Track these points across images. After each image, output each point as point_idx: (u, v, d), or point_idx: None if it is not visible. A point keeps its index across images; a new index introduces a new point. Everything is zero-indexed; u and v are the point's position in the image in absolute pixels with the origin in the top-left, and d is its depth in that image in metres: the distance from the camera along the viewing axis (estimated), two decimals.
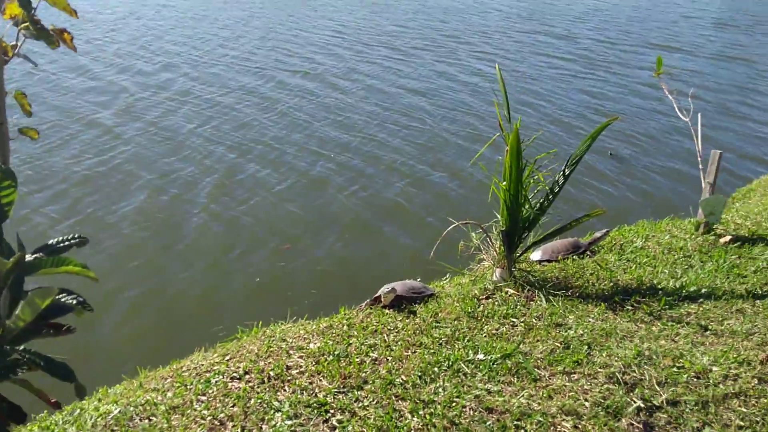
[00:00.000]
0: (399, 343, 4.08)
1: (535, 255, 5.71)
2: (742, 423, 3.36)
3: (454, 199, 9.44)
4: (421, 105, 13.67)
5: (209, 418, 3.30)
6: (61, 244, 1.85)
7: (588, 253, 5.68)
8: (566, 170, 4.92)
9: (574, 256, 5.59)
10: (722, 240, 5.76)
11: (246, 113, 12.64)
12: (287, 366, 3.77)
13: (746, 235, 5.87)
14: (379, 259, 7.82)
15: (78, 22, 21.77)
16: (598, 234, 5.84)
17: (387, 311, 4.63)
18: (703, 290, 4.79)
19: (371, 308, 4.74)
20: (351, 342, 4.09)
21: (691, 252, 5.59)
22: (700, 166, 5.96)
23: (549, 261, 5.62)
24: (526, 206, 4.90)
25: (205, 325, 6.39)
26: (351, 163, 10.64)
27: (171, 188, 9.46)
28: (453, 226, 4.78)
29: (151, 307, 6.87)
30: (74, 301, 1.88)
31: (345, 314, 4.60)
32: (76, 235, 1.91)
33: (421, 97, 14.33)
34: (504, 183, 4.73)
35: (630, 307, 4.61)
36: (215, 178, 9.81)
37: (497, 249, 5.01)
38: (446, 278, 5.45)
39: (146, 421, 3.29)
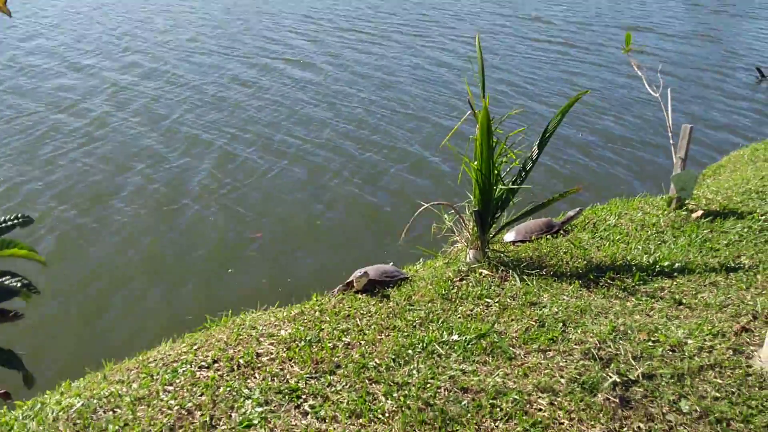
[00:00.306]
0: (372, 327, 4.00)
1: (509, 236, 5.66)
2: (717, 394, 3.34)
3: (443, 180, 9.31)
4: (404, 88, 13.58)
5: (176, 407, 3.20)
6: (2, 225, 1.72)
7: (561, 232, 5.65)
8: (538, 147, 4.87)
9: (548, 236, 5.55)
10: (694, 215, 5.76)
11: (233, 100, 12.42)
12: (257, 353, 3.68)
13: (718, 209, 5.88)
14: (352, 245, 7.71)
15: (60, 11, 21.31)
16: (571, 213, 5.81)
17: (360, 296, 4.54)
18: (677, 265, 4.77)
19: (343, 294, 4.66)
20: (323, 327, 4.00)
21: (663, 228, 5.58)
22: (671, 141, 5.95)
23: (522, 241, 5.57)
24: (499, 185, 4.84)
25: (173, 315, 6.25)
26: (343, 148, 10.50)
27: (162, 178, 9.24)
28: (423, 207, 4.70)
29: (117, 296, 6.70)
30: (19, 284, 1.76)
31: (317, 300, 4.51)
32: (18, 215, 1.79)
33: (403, 79, 14.23)
34: (475, 162, 4.66)
35: (604, 284, 4.58)
36: (207, 166, 9.60)
37: (470, 230, 4.95)
38: (419, 262, 5.38)
39: (110, 413, 3.18)
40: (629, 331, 3.85)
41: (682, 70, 15.90)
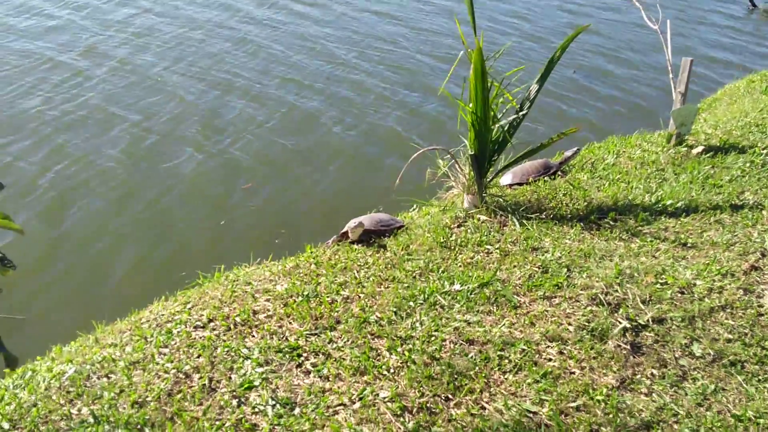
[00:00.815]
0: (371, 279, 3.87)
1: (505, 179, 5.50)
2: (730, 336, 3.26)
3: (445, 125, 9.02)
4: (396, 30, 13.10)
5: (173, 371, 3.08)
6: None
7: (559, 173, 5.50)
8: (535, 85, 4.67)
9: (545, 178, 5.40)
10: (694, 151, 5.62)
11: (219, 48, 11.91)
12: (254, 311, 3.54)
13: (718, 144, 5.73)
14: (354, 192, 7.49)
15: None
16: (568, 153, 5.64)
17: (356, 246, 4.40)
18: (680, 203, 4.65)
19: (338, 245, 4.51)
20: (320, 281, 3.86)
21: (664, 165, 5.44)
22: (671, 76, 5.76)
23: (519, 184, 5.42)
24: (495, 128, 4.66)
25: (166, 272, 6.09)
26: (336, 93, 10.14)
27: (154, 128, 8.87)
28: (417, 153, 4.52)
29: (110, 254, 6.51)
30: None
31: (312, 253, 4.36)
32: None
33: (394, 22, 13.74)
34: (471, 105, 4.46)
35: (607, 226, 4.45)
36: (198, 117, 9.22)
37: (467, 175, 4.78)
38: (414, 209, 5.23)
39: (104, 379, 3.05)
40: (636, 274, 3.74)
41: (673, 3, 15.49)
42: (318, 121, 9.28)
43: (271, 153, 8.40)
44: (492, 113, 4.53)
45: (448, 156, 4.76)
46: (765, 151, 5.49)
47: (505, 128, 4.69)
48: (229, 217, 7.08)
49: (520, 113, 4.67)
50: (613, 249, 4.11)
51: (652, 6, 6.20)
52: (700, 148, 5.61)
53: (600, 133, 7.49)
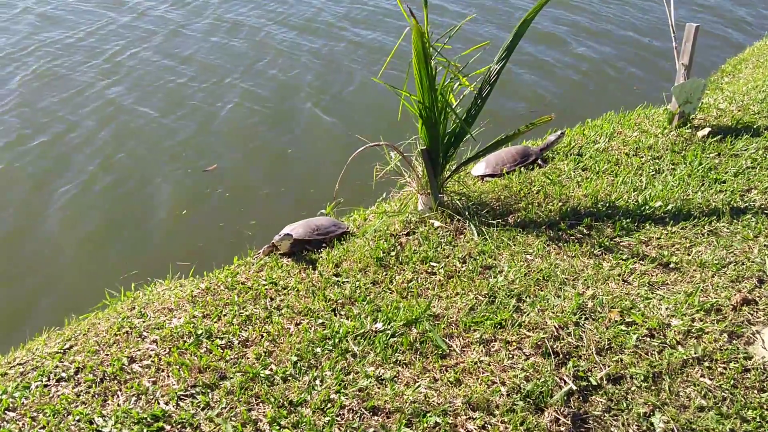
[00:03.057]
0: (283, 312, 3.26)
1: (478, 168, 4.80)
2: (704, 402, 2.59)
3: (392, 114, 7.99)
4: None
5: None
6: None
7: (539, 162, 4.76)
8: (496, 65, 3.92)
9: (522, 168, 4.68)
10: (700, 133, 4.82)
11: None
12: (131, 358, 2.97)
13: (730, 124, 4.92)
14: (314, 180, 6.71)
15: None
16: (551, 138, 4.89)
17: (284, 262, 3.78)
18: (670, 206, 3.91)
19: (269, 256, 3.90)
20: (224, 313, 3.27)
21: (661, 152, 4.66)
22: (674, 44, 4.91)
23: (493, 175, 4.71)
24: (450, 118, 3.95)
25: (109, 272, 5.53)
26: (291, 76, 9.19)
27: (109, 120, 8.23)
28: (361, 149, 3.85)
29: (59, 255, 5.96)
30: None
31: (230, 271, 3.75)
32: None
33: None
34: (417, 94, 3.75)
35: (579, 236, 3.75)
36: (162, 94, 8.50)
37: (420, 173, 4.10)
38: (367, 209, 4.57)
39: None
40: (599, 309, 3.07)
41: None
42: (297, 96, 8.50)
43: (240, 131, 7.65)
44: (443, 101, 3.82)
45: (396, 153, 4.07)
46: None
47: (463, 117, 3.98)
48: (191, 205, 6.43)
49: (479, 100, 3.94)
50: (579, 270, 3.42)
51: None
52: (706, 131, 4.80)
53: (595, 110, 6.34)
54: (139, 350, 3.02)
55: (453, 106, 3.96)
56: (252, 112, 7.99)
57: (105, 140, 7.37)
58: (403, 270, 3.54)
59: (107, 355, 3.01)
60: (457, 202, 4.09)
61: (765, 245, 3.49)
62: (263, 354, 2.94)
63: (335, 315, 3.20)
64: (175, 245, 5.82)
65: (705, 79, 4.91)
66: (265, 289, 3.47)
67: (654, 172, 4.39)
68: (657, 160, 4.55)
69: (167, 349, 3.01)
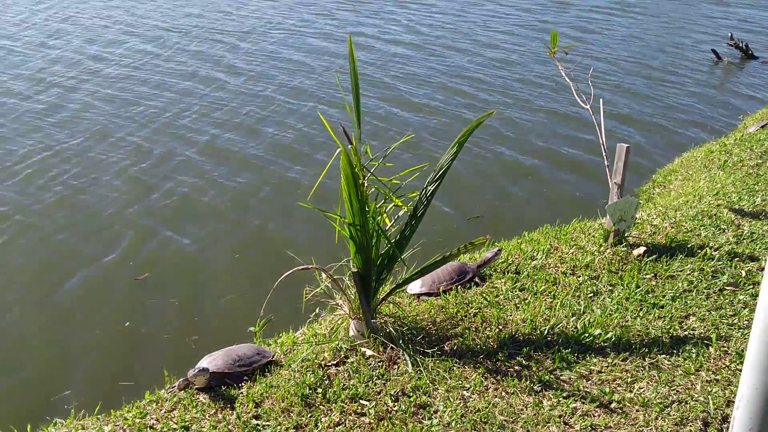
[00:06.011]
0: None
1: (414, 286, 4.61)
2: None
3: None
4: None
5: None
6: None
7: (476, 280, 4.61)
8: (429, 187, 3.81)
9: (459, 286, 4.52)
10: (635, 252, 4.78)
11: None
12: None
13: (664, 242, 4.90)
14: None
15: None
16: (488, 254, 4.76)
17: (200, 399, 3.45)
18: (610, 333, 3.78)
19: (185, 390, 3.56)
20: None
21: (598, 271, 4.58)
22: (606, 163, 4.94)
23: (428, 294, 4.53)
24: (382, 240, 3.78)
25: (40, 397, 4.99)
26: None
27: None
28: (288, 273, 3.61)
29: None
30: None
31: (145, 405, 3.39)
32: None
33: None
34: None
35: (518, 367, 3.55)
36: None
37: (352, 297, 3.88)
38: (295, 331, 4.29)
39: None
40: None
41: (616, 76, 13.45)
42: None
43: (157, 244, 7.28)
44: (375, 224, 3.65)
45: (326, 276, 3.84)
46: (716, 254, 4.67)
47: (397, 237, 3.82)
48: (134, 317, 5.94)
49: (413, 221, 3.80)
50: (518, 410, 3.20)
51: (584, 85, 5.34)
52: (641, 249, 4.77)
53: (533, 223, 6.08)
54: None
55: (387, 227, 3.80)
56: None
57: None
58: (331, 410, 3.26)
59: None
60: (391, 327, 3.86)
61: (707, 380, 3.36)
62: None
63: None
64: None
65: (637, 199, 4.91)
66: None
67: (592, 294, 4.29)
68: (594, 281, 4.46)
69: None
